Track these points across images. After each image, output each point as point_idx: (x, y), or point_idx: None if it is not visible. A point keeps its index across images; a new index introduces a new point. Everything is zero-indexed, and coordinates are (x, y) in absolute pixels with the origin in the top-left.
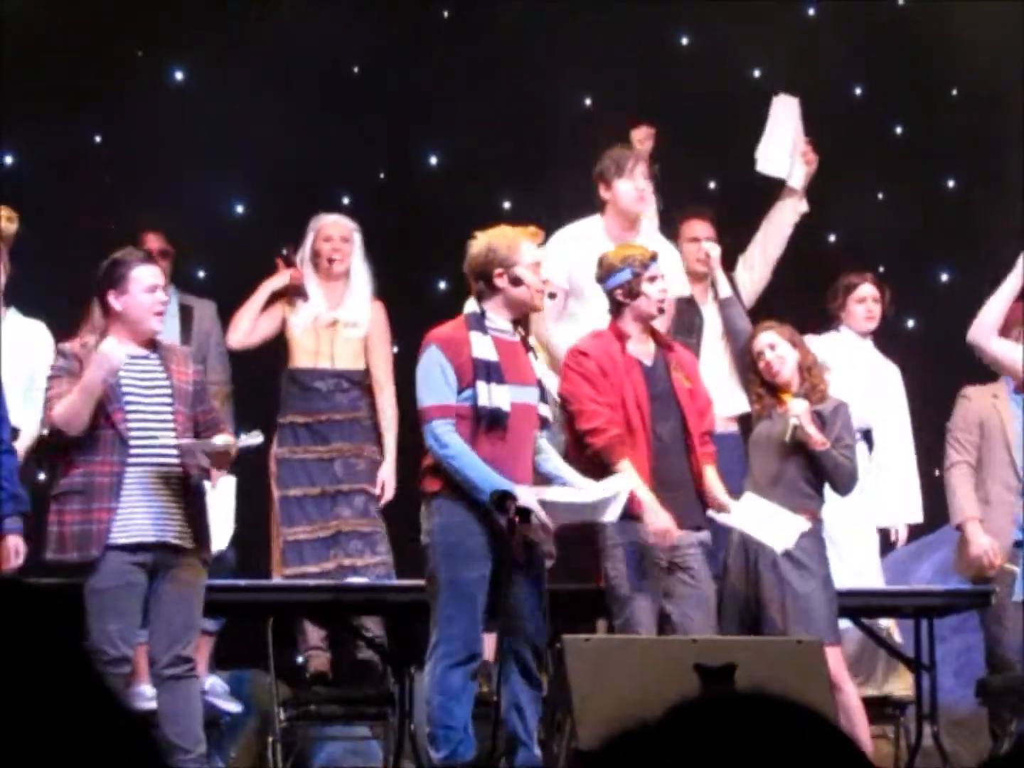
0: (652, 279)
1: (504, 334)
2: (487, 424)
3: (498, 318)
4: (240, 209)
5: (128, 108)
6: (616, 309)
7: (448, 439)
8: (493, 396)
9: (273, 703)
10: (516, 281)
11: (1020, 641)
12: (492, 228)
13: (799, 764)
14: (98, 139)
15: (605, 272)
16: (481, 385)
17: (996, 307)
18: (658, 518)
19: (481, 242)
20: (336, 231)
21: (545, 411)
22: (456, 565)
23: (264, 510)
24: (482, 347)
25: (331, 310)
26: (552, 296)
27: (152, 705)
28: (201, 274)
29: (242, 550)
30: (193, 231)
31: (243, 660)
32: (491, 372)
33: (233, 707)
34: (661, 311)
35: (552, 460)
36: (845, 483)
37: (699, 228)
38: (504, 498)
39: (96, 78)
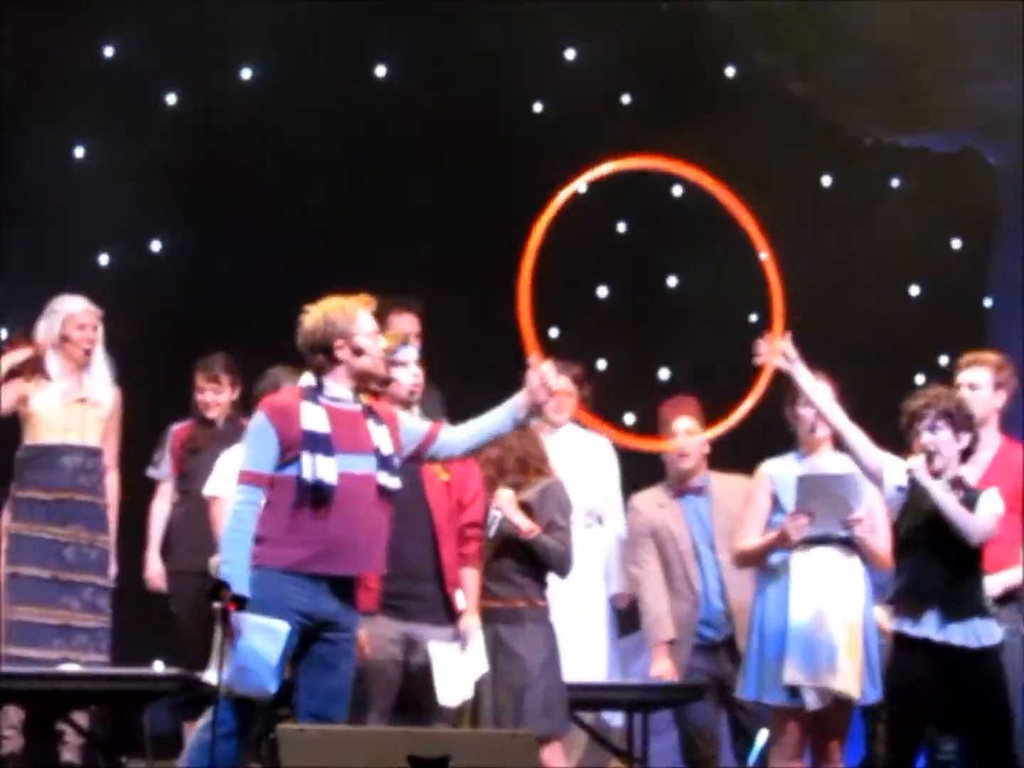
0: (401, 364)
1: (342, 403)
2: (313, 497)
3: (338, 388)
4: None
5: None
6: (375, 399)
7: (239, 505)
8: (318, 469)
9: None
10: (358, 351)
11: (717, 733)
12: (323, 300)
13: None
14: None
15: None
16: (306, 457)
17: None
18: None
19: (316, 315)
20: (89, 319)
21: (386, 480)
22: None
23: None
24: (312, 418)
25: (76, 389)
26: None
27: None
28: None
29: None
30: None
31: None
32: (318, 444)
33: None
34: (413, 395)
35: (462, 428)
36: (559, 566)
37: (407, 322)
38: (219, 587)
39: None
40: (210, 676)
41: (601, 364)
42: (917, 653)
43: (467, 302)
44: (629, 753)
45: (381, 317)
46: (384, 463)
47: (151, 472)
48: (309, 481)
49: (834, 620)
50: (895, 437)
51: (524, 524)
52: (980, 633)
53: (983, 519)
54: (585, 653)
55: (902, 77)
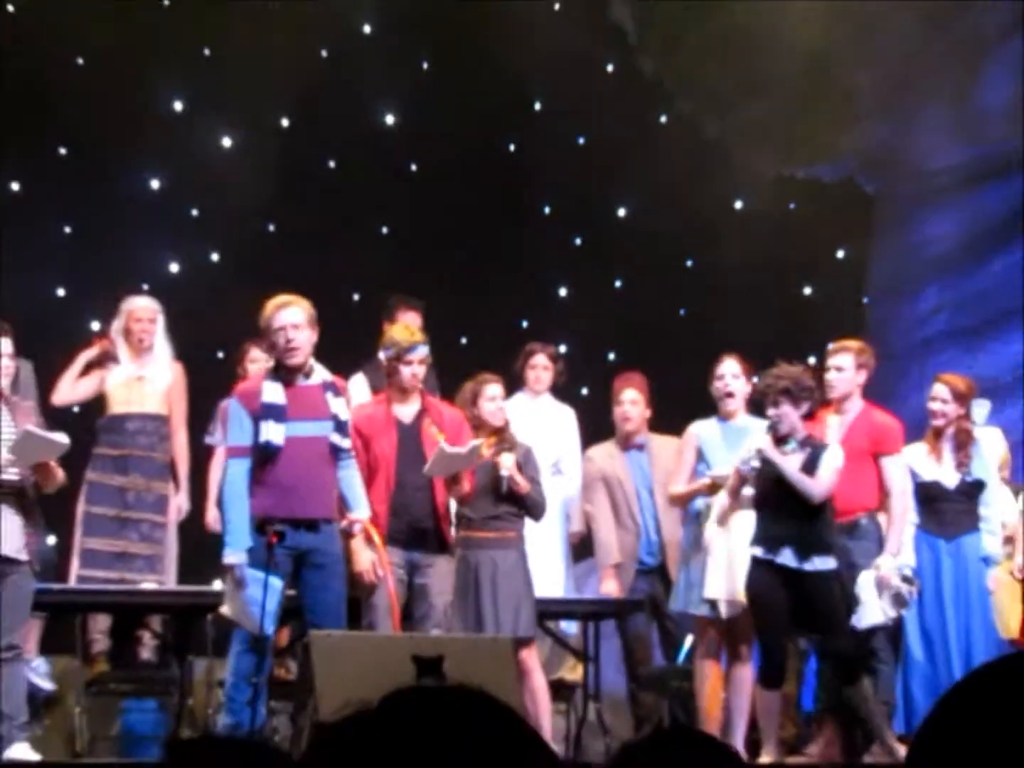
0: (407, 363)
1: (291, 379)
2: (264, 456)
3: (283, 368)
4: (61, 292)
5: None
6: (388, 375)
7: (231, 477)
8: (268, 433)
9: (80, 682)
10: (272, 345)
11: (650, 639)
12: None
13: (485, 746)
14: None
15: (382, 345)
16: (262, 424)
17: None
18: (359, 560)
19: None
20: (145, 314)
21: (337, 440)
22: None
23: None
24: (271, 393)
25: (138, 369)
26: None
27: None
28: None
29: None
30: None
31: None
32: (272, 413)
33: (48, 685)
34: (415, 385)
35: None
36: (539, 514)
37: (411, 318)
38: (264, 523)
39: None
40: (225, 610)
41: (562, 348)
42: (762, 569)
43: (459, 303)
44: (584, 654)
45: (391, 312)
46: (341, 427)
47: (207, 439)
48: (260, 444)
49: (744, 551)
50: None
51: (522, 482)
52: (817, 563)
53: (822, 477)
54: (548, 575)
55: (799, 121)
